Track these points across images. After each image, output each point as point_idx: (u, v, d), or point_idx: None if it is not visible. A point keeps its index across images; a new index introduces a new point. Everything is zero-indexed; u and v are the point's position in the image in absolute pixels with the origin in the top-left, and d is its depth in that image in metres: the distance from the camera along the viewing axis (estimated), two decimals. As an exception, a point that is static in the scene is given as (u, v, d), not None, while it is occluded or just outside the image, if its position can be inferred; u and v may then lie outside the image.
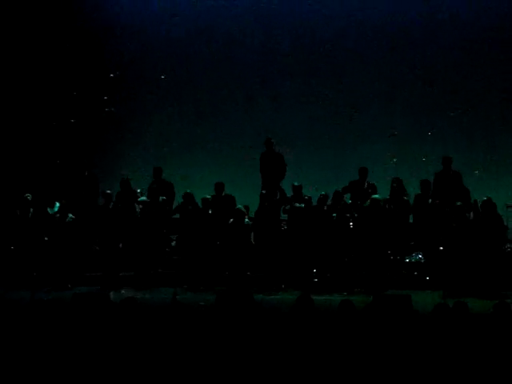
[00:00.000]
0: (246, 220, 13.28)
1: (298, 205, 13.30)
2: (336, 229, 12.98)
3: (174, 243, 14.16)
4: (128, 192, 14.10)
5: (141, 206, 13.65)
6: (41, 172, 16.01)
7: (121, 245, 13.51)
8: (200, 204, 13.57)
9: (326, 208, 13.23)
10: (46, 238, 13.47)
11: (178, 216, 14.05)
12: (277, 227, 13.36)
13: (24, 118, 16.58)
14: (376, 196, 13.23)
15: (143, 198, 13.82)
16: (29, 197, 13.92)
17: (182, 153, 16.99)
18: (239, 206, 13.44)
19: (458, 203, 12.76)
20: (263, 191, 13.84)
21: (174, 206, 14.20)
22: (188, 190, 13.79)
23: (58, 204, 14.04)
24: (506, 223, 12.98)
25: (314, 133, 16.70)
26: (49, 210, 13.93)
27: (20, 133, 16.52)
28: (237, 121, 16.86)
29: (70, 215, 13.57)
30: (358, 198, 13.62)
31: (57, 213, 13.80)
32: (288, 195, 13.99)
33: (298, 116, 16.75)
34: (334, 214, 13.07)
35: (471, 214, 13.04)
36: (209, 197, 13.66)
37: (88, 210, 14.04)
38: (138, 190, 14.33)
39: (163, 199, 13.88)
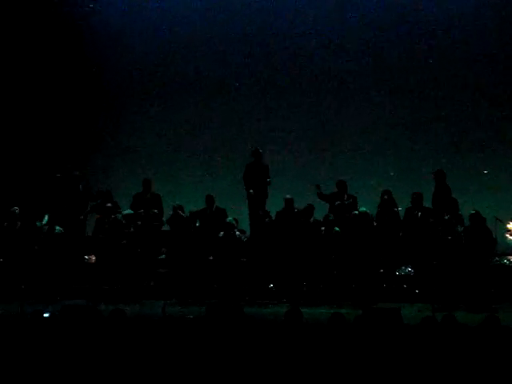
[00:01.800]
0: (237, 233, 13.28)
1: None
2: (325, 241, 13.00)
3: (163, 256, 14.13)
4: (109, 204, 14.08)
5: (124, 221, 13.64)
6: (30, 184, 15.97)
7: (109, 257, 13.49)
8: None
9: (312, 220, 13.28)
10: (35, 249, 13.43)
11: (167, 228, 14.07)
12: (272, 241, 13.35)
13: (14, 129, 16.57)
14: (363, 209, 13.25)
15: (128, 211, 13.79)
16: (16, 210, 13.88)
17: (171, 164, 17.01)
18: (229, 218, 13.44)
19: (447, 217, 12.79)
20: (260, 212, 13.85)
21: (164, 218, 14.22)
22: (177, 203, 13.79)
23: (46, 217, 14.01)
24: (495, 236, 13.02)
25: (304, 142, 16.73)
26: (37, 223, 13.87)
27: (9, 144, 16.50)
28: (228, 132, 16.87)
29: (58, 227, 13.55)
30: (338, 210, 13.60)
31: (45, 225, 13.78)
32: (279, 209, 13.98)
33: (289, 126, 16.78)
34: (323, 228, 13.10)
35: (459, 226, 13.09)
36: (196, 209, 13.65)
37: (77, 223, 13.99)
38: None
39: (154, 212, 13.87)
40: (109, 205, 13.93)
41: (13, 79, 16.57)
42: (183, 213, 13.67)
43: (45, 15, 16.81)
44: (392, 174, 14.33)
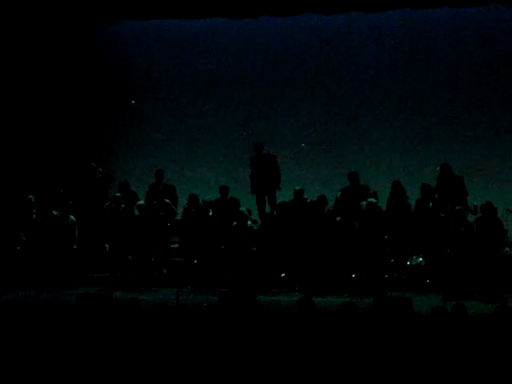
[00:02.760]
0: (249, 222, 13.38)
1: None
2: (337, 231, 13.08)
3: (176, 245, 14.26)
4: (127, 195, 14.20)
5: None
6: (46, 173, 16.09)
7: (125, 246, 13.62)
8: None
9: (326, 211, 13.36)
10: (50, 237, 13.55)
11: (180, 218, 14.20)
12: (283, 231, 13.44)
13: (28, 119, 16.66)
14: (372, 200, 13.30)
15: (141, 201, 13.91)
16: (32, 198, 14.02)
17: (185, 155, 17.11)
18: (242, 208, 13.53)
19: (458, 207, 12.84)
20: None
21: (178, 209, 14.32)
22: (194, 192, 13.91)
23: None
24: (505, 227, 13.06)
25: (313, 136, 16.77)
26: (54, 212, 13.99)
27: (24, 134, 16.60)
28: (238, 126, 16.93)
29: (71, 217, 13.69)
30: (353, 202, 13.66)
31: (60, 214, 13.92)
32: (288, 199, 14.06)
33: (297, 120, 16.83)
34: (338, 218, 13.17)
35: (469, 215, 13.15)
36: (210, 199, 13.75)
37: (95, 212, 14.11)
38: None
39: (166, 202, 13.99)
40: (118, 194, 14.06)
41: (29, 69, 16.63)
42: (197, 203, 13.78)
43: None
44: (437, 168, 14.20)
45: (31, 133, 16.62)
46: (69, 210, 13.83)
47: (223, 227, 13.33)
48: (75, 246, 13.68)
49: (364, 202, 13.38)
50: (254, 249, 13.25)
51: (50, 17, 16.05)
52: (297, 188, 13.80)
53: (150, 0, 15.82)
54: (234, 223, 13.25)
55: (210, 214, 13.62)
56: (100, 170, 14.86)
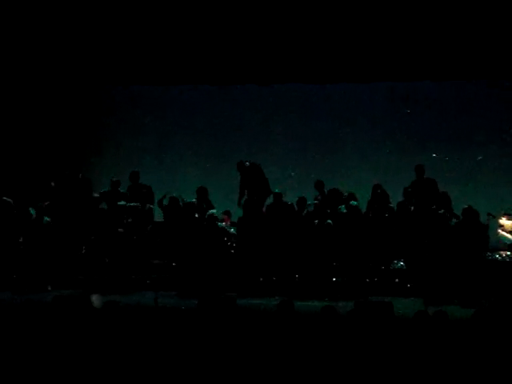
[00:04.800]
0: (222, 224, 13.31)
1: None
2: (318, 234, 13.02)
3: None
4: (115, 193, 14.16)
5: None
6: (25, 173, 16.03)
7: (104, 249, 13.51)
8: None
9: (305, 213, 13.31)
10: (25, 239, 13.42)
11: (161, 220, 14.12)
12: (260, 233, 13.35)
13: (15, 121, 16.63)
14: (353, 203, 13.27)
15: (122, 202, 13.79)
16: (8, 200, 13.86)
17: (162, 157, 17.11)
18: (212, 211, 13.41)
19: (440, 211, 12.83)
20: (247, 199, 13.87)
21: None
22: (174, 195, 13.85)
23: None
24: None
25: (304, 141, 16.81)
26: (31, 210, 13.85)
27: (6, 135, 16.55)
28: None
29: (46, 218, 13.54)
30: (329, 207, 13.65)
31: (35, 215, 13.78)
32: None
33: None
34: (316, 221, 13.11)
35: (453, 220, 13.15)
36: (194, 201, 13.65)
37: (74, 213, 13.98)
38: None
39: (150, 207, 13.89)
40: (96, 195, 13.94)
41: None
42: (178, 205, 13.70)
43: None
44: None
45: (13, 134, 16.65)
46: (44, 211, 13.65)
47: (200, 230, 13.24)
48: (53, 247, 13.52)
49: (343, 206, 13.37)
50: (233, 252, 13.17)
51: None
52: (276, 190, 13.76)
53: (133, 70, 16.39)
54: (204, 223, 13.15)
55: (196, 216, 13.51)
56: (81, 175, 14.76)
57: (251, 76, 16.11)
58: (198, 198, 13.82)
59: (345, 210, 13.41)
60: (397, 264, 13.45)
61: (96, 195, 14.01)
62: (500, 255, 13.49)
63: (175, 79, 16.51)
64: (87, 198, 14.19)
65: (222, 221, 13.87)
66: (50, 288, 13.07)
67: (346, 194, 13.84)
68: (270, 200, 14.07)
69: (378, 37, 15.49)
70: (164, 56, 16.19)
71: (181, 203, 13.63)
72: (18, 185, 15.32)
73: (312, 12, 15.53)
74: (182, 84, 16.75)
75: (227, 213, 14.32)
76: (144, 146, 17.19)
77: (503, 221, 13.80)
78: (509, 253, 13.43)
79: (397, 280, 13.17)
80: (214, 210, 13.43)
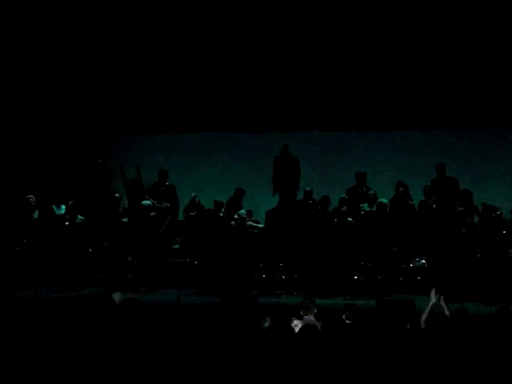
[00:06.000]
0: (248, 223, 13.37)
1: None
2: (340, 233, 13.01)
3: (177, 246, 14.21)
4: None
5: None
6: (46, 172, 16.12)
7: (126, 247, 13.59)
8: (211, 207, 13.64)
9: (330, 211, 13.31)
10: (54, 237, 13.49)
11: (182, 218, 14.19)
12: (287, 231, 13.37)
13: (28, 118, 16.74)
14: (383, 200, 13.24)
15: (147, 201, 13.78)
16: (31, 198, 13.96)
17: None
18: (242, 211, 13.44)
19: (460, 208, 12.79)
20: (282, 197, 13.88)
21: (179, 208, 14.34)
22: (193, 194, 13.92)
23: (63, 206, 14.08)
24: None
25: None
26: (55, 209, 13.95)
27: (24, 133, 16.66)
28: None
29: (80, 216, 13.63)
30: (357, 203, 13.64)
31: (65, 214, 13.83)
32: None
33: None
34: (336, 220, 13.11)
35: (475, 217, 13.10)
36: (221, 199, 13.67)
37: (97, 211, 14.06)
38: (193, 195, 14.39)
39: (167, 205, 13.92)
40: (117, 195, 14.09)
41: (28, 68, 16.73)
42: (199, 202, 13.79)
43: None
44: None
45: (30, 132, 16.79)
46: (76, 209, 13.73)
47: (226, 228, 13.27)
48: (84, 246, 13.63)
49: (365, 204, 13.38)
50: (257, 250, 13.20)
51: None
52: (307, 188, 13.80)
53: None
54: (232, 223, 13.19)
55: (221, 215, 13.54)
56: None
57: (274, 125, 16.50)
58: (235, 198, 13.91)
59: (368, 208, 13.41)
60: (418, 262, 13.42)
61: (117, 195, 14.06)
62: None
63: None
64: (106, 189, 14.28)
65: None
66: (78, 286, 13.11)
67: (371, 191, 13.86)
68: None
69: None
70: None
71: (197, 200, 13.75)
72: (40, 183, 15.44)
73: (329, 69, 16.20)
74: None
75: (249, 212, 14.35)
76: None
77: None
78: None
79: (418, 278, 13.14)
80: (243, 211, 13.48)
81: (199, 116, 16.68)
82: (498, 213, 12.68)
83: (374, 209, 13.26)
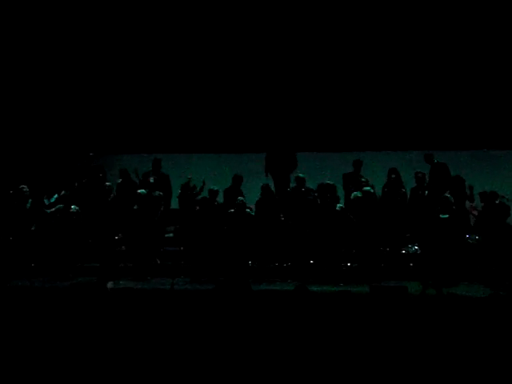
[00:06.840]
0: (248, 210, 13.34)
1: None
2: (333, 221, 13.03)
3: (171, 234, 14.21)
4: (128, 183, 14.20)
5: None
6: (40, 163, 16.11)
7: (119, 236, 13.58)
8: (207, 195, 13.62)
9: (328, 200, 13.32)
10: (46, 227, 13.49)
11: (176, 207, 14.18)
12: (277, 218, 13.38)
13: (24, 111, 16.73)
14: (367, 188, 13.26)
15: (142, 190, 13.78)
16: (24, 188, 13.94)
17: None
18: (240, 198, 13.44)
19: (446, 194, 12.83)
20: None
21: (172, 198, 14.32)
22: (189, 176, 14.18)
23: (55, 195, 14.10)
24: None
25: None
26: (45, 200, 13.95)
27: (19, 125, 16.65)
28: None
29: (74, 206, 13.62)
30: (353, 190, 13.67)
31: (55, 203, 13.83)
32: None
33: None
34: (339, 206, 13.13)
35: (467, 202, 13.15)
36: (216, 188, 13.66)
37: (90, 202, 14.06)
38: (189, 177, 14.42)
39: (160, 194, 13.91)
40: (118, 181, 14.15)
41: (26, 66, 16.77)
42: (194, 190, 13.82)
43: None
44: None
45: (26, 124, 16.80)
46: (70, 199, 13.74)
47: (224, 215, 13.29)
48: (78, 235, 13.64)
49: (357, 192, 13.38)
50: (250, 237, 13.21)
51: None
52: (300, 175, 13.80)
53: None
54: (231, 210, 13.18)
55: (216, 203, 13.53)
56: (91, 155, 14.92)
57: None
58: (233, 185, 13.91)
59: (360, 195, 13.43)
60: (411, 248, 13.46)
61: (108, 184, 14.08)
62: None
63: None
64: (100, 186, 14.30)
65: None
66: (71, 275, 13.11)
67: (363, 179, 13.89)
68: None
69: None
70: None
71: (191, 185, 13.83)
72: (32, 175, 15.44)
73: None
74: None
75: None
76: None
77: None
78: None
79: (411, 264, 13.18)
80: (242, 197, 13.46)
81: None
82: (498, 201, 12.71)
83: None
